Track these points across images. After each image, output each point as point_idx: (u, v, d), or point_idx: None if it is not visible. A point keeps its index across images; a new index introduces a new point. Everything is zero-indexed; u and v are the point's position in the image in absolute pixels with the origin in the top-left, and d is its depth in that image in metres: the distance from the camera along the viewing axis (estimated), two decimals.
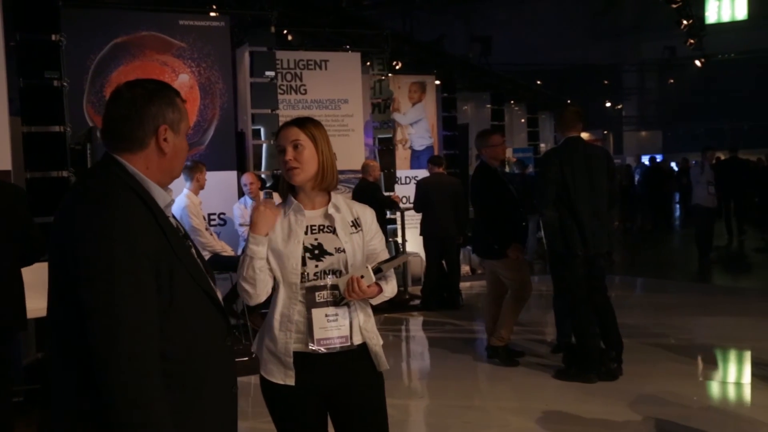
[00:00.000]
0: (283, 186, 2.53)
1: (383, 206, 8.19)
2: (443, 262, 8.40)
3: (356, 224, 2.51)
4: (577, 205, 5.24)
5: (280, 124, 3.09)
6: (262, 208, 2.40)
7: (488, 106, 13.90)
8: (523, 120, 16.49)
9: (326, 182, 2.48)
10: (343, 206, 2.53)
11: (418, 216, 8.66)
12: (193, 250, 1.91)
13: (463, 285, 9.05)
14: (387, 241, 9.78)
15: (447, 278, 8.44)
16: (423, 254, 8.91)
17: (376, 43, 9.73)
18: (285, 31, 8.94)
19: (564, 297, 5.82)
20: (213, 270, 6.21)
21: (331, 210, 2.49)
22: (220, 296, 1.94)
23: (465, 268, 10.13)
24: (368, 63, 9.86)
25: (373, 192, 8.05)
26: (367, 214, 2.56)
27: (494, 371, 5.72)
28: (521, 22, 26.02)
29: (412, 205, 8.96)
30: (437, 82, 11.35)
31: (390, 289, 2.50)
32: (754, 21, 26.56)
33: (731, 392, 5.42)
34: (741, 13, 27.23)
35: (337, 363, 2.44)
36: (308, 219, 2.47)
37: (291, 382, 2.42)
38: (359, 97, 9.35)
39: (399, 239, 9.35)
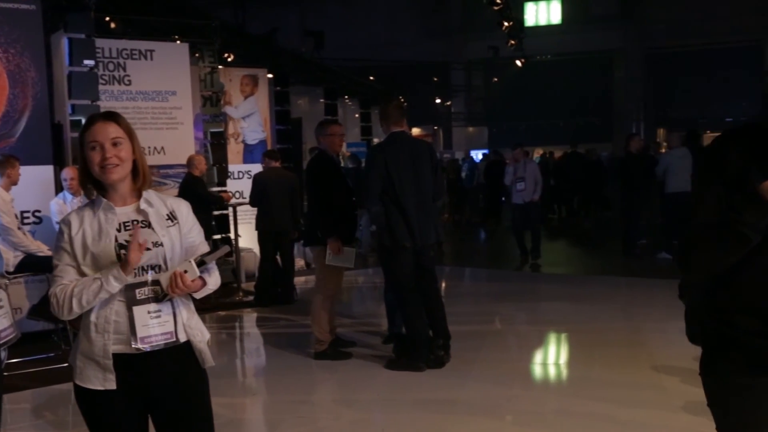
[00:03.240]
0: (88, 183, 2.39)
1: (205, 202, 8.01)
2: (278, 257, 8.36)
3: (172, 217, 2.43)
4: (403, 198, 5.35)
5: None
6: (137, 245, 2.25)
7: (322, 100, 13.95)
8: (357, 115, 16.71)
9: (142, 180, 2.39)
10: (156, 200, 2.45)
11: (252, 211, 8.55)
12: None
13: (298, 280, 9.05)
14: (222, 238, 9.65)
15: (281, 273, 8.40)
16: (257, 249, 8.81)
17: (206, 34, 9.47)
18: (107, 18, 8.49)
19: (394, 289, 5.99)
20: (27, 271, 5.77)
21: (143, 205, 2.40)
22: None
23: (299, 263, 10.13)
24: (197, 54, 9.57)
25: (193, 187, 7.82)
26: (182, 207, 2.49)
27: (327, 365, 5.77)
28: (355, 18, 26.32)
29: (245, 201, 8.82)
30: (270, 76, 11.24)
31: (213, 282, 2.45)
32: (567, 25, 28.52)
33: (552, 372, 5.80)
34: (556, 17, 29.16)
35: (161, 361, 2.35)
36: (120, 216, 2.37)
37: (111, 386, 2.31)
38: (188, 89, 9.06)
39: (231, 235, 9.17)
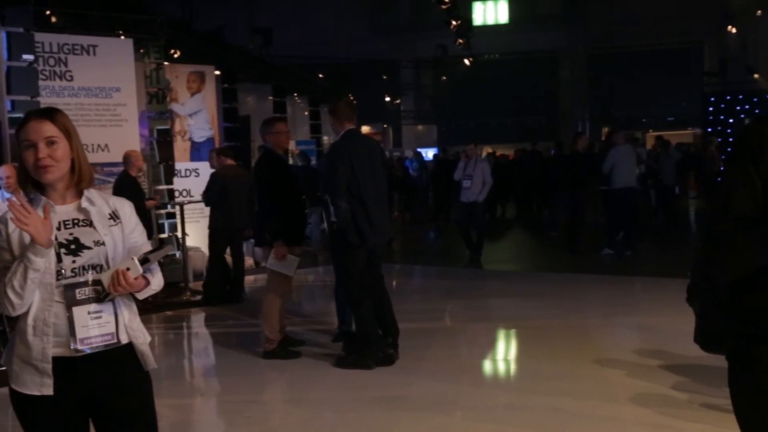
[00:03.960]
0: (26, 181, 2.32)
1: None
2: (229, 255, 8.26)
3: (114, 217, 2.37)
4: (365, 195, 5.36)
5: None
6: (34, 215, 2.15)
7: (270, 98, 13.86)
8: (306, 113, 16.65)
9: (81, 179, 2.32)
10: (98, 199, 2.38)
11: (200, 209, 8.42)
12: None
13: (247, 278, 8.96)
14: (168, 236, 9.50)
15: (230, 272, 8.31)
16: (204, 248, 8.69)
17: (151, 29, 9.29)
18: (47, 12, 8.26)
19: (347, 286, 5.98)
20: None
21: (84, 203, 2.34)
22: None
23: (249, 261, 10.03)
24: (142, 50, 9.40)
25: (127, 186, 7.48)
26: (125, 207, 2.44)
27: (276, 364, 5.72)
28: (303, 16, 26.18)
29: (194, 199, 8.68)
30: (217, 73, 11.10)
31: (157, 282, 2.39)
32: (514, 25, 28.90)
33: (501, 367, 5.87)
34: (503, 17, 29.52)
35: (101, 364, 2.28)
36: (60, 214, 2.30)
37: (48, 391, 2.23)
38: (132, 85, 8.89)
39: (179, 233, 9.03)
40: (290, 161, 12.20)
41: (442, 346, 6.19)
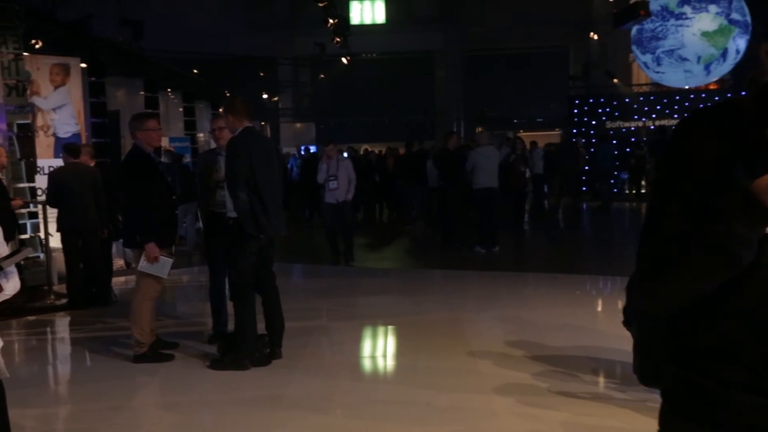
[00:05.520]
0: None
1: None
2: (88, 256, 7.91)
3: None
4: (262, 189, 5.34)
5: None
6: None
7: (142, 92, 13.38)
8: (180, 109, 16.20)
9: None
10: None
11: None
12: None
13: (117, 280, 8.63)
14: (31, 237, 8.99)
15: (96, 274, 7.95)
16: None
17: (8, 17, 8.74)
18: None
19: (219, 285, 5.89)
20: None
21: None
22: None
23: (119, 262, 9.65)
24: None
25: None
26: None
27: (147, 368, 5.53)
28: (176, 8, 25.41)
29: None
30: (83, 65, 10.60)
31: (12, 286, 2.27)
32: (391, 25, 29.30)
33: (379, 364, 5.94)
34: (380, 17, 29.86)
35: None
36: None
37: None
38: None
39: (42, 234, 8.55)
40: (162, 158, 11.86)
41: (320, 344, 6.21)
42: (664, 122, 20.06)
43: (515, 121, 32.13)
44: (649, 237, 1.41)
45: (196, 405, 4.79)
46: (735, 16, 17.58)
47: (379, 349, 6.47)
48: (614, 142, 19.37)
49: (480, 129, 20.54)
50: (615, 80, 22.62)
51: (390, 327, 6.90)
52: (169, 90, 15.38)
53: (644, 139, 18.18)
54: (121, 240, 7.82)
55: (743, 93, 15.23)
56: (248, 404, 4.72)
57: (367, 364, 5.91)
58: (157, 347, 5.77)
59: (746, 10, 17.46)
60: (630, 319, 1.82)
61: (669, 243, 1.35)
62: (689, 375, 1.44)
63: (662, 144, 13.39)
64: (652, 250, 1.39)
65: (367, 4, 29.68)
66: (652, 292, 1.42)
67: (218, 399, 4.85)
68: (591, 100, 21.14)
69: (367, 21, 29.57)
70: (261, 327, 5.71)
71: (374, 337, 6.77)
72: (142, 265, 5.51)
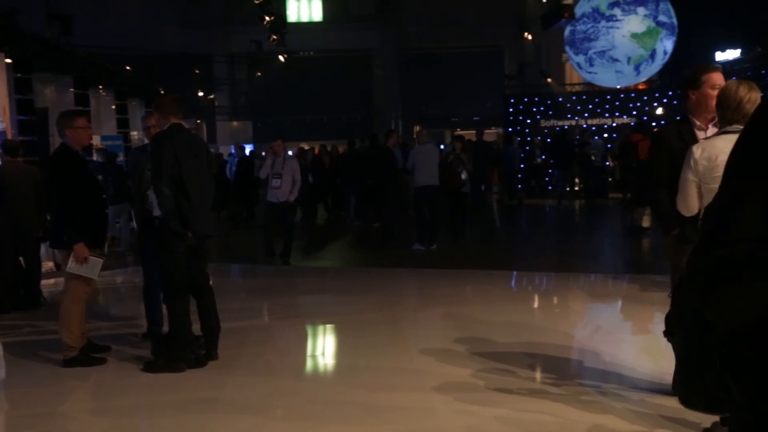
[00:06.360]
0: None
1: None
2: (20, 258, 7.65)
3: None
4: (188, 185, 5.27)
5: None
6: None
7: (72, 89, 13.01)
8: (112, 106, 15.82)
9: None
10: None
11: None
12: None
13: (46, 282, 8.35)
14: None
15: (24, 276, 7.69)
16: None
17: None
18: None
19: (154, 285, 5.77)
20: None
21: None
22: None
23: (48, 264, 9.36)
24: None
25: None
26: None
27: (78, 372, 5.37)
28: (107, 3, 24.79)
29: None
30: (8, 61, 10.24)
31: None
32: (328, 23, 29.23)
33: (319, 363, 5.90)
34: (317, 14, 29.75)
35: None
36: None
37: None
38: None
39: None
40: (94, 157, 11.57)
41: (259, 344, 6.14)
42: (596, 121, 20.57)
43: (453, 119, 32.47)
44: (720, 240, 1.18)
45: (129, 409, 4.67)
46: (662, 18, 18.13)
47: (319, 349, 6.44)
48: (518, 139, 19.75)
49: (418, 127, 20.70)
50: (549, 80, 23.06)
51: (329, 326, 6.88)
52: (100, 87, 15.00)
53: (577, 137, 18.60)
54: (49, 241, 7.59)
55: (670, 93, 15.67)
56: (183, 407, 4.63)
57: (306, 363, 5.87)
58: (88, 351, 5.62)
59: (672, 12, 18.03)
60: (674, 330, 1.57)
61: (747, 250, 1.15)
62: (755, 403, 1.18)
63: (627, 146, 13.69)
64: (725, 256, 1.17)
65: (303, 2, 29.55)
66: (723, 303, 1.18)
67: (152, 402, 4.75)
68: (526, 99, 21.49)
69: (304, 19, 29.43)
70: (197, 328, 5.62)
71: (314, 336, 6.74)
72: (71, 266, 5.36)
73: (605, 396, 4.51)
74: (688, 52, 17.81)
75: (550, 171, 19.44)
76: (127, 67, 18.45)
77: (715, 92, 4.02)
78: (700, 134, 4.08)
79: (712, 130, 3.94)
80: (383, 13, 29.59)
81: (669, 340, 1.63)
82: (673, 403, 4.30)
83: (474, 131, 17.97)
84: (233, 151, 21.96)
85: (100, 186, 5.76)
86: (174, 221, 5.25)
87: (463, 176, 11.51)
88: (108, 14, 24.46)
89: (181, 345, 5.35)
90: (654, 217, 10.35)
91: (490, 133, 26.65)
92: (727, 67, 14.59)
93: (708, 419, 3.80)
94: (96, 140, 13.17)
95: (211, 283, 5.76)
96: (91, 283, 5.65)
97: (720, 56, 16.94)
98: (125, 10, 25.33)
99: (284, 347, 6.24)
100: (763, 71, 15.37)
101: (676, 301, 1.47)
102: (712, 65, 4.66)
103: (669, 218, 4.08)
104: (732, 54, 17.01)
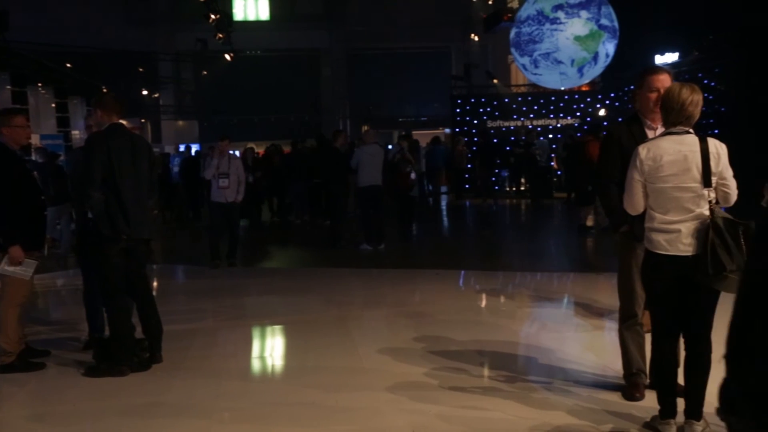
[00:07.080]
0: None
1: None
2: None
3: None
4: (122, 189, 5.17)
5: None
6: None
7: (9, 87, 12.64)
8: (52, 104, 15.42)
9: None
10: None
11: None
12: None
13: None
14: None
15: None
16: None
17: None
18: None
19: (94, 290, 5.63)
20: None
21: None
22: None
23: None
24: None
25: None
26: None
27: (16, 378, 5.20)
28: None
29: None
30: None
31: None
32: (275, 22, 29.01)
33: (267, 365, 5.83)
34: (264, 13, 29.50)
35: None
36: None
37: None
38: None
39: None
40: (33, 156, 11.26)
41: (204, 346, 6.04)
42: (541, 122, 20.88)
43: (400, 119, 32.56)
44: None
45: (70, 415, 4.55)
46: (604, 21, 18.49)
47: (267, 351, 6.37)
48: (496, 140, 19.97)
49: (366, 127, 20.69)
50: (495, 81, 23.31)
51: (277, 327, 6.81)
52: (39, 84, 14.61)
53: (523, 138, 18.85)
54: None
55: (612, 94, 15.98)
56: (127, 412, 4.52)
57: (254, 365, 5.80)
58: (26, 356, 5.45)
59: (614, 16, 18.40)
60: (734, 408, 1.23)
61: None
62: None
63: (575, 147, 13.88)
64: None
65: (250, 0, 29.26)
66: None
67: (94, 408, 4.63)
68: (472, 100, 21.68)
69: (251, 17, 29.15)
70: (140, 331, 5.51)
71: (261, 338, 6.67)
72: (4, 267, 5.21)
73: (552, 392, 4.57)
74: (629, 55, 18.20)
75: (497, 171, 19.66)
76: (68, 65, 17.97)
77: (653, 95, 4.11)
78: (650, 133, 4.17)
79: (661, 129, 4.02)
80: (331, 13, 29.51)
81: (723, 418, 1.26)
82: (617, 398, 4.39)
83: (422, 131, 18.12)
84: (182, 149, 21.64)
85: (38, 186, 5.60)
86: (104, 225, 5.16)
87: (413, 176, 11.56)
88: (47, 10, 23.82)
89: (123, 348, 5.24)
90: (601, 215, 10.58)
91: (438, 134, 26.84)
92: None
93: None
94: (35, 139, 12.82)
95: (155, 284, 5.65)
96: (28, 286, 5.48)
97: (659, 59, 17.35)
98: (65, 6, 24.70)
99: (231, 349, 6.15)
100: (700, 74, 15.81)
101: (737, 367, 1.06)
102: (659, 67, 4.77)
103: (619, 215, 4.15)
104: (671, 57, 17.44)
